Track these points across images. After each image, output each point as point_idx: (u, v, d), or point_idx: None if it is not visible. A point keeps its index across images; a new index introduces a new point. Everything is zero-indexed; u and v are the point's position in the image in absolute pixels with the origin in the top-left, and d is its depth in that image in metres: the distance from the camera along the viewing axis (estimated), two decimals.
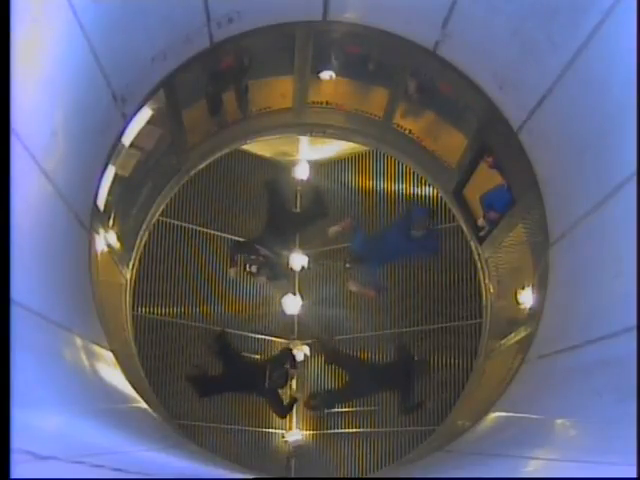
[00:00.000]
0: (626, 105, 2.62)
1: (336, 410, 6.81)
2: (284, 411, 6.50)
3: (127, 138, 4.36)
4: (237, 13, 4.12)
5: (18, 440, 1.64)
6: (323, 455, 6.80)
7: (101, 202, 4.18)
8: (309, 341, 6.88)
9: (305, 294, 7.02)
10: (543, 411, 3.23)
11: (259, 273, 6.62)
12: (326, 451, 6.80)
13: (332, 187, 7.29)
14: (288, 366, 6.40)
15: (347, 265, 6.56)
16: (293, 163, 7.30)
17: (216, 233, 6.94)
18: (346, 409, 6.77)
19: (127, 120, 4.09)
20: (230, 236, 6.95)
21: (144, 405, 4.20)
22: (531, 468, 2.67)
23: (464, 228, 5.96)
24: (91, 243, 3.95)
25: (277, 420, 6.76)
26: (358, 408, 6.71)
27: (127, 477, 2.21)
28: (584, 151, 3.28)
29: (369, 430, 6.64)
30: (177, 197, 6.38)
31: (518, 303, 4.83)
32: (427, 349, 6.51)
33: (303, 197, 7.31)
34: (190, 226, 6.80)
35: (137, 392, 4.17)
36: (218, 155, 6.17)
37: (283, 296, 6.87)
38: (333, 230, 6.65)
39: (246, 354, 6.73)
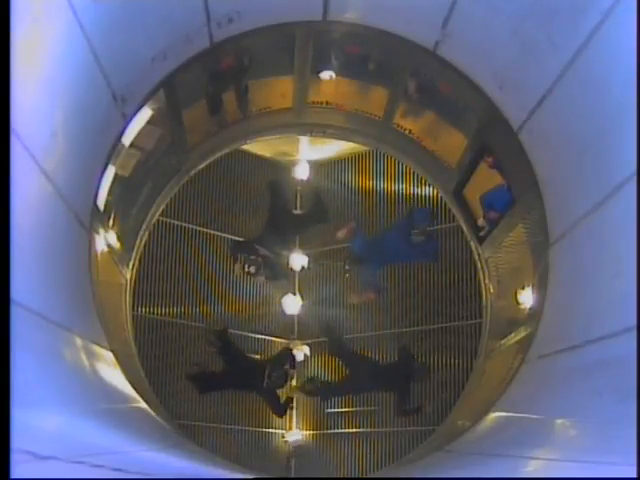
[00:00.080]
0: (626, 105, 2.62)
1: (336, 410, 6.81)
2: (282, 410, 6.50)
3: (127, 138, 4.36)
4: (237, 13, 4.12)
5: (18, 440, 1.64)
6: (323, 455, 6.80)
7: (101, 202, 4.18)
8: (309, 341, 6.88)
9: (305, 294, 7.02)
10: (543, 411, 3.23)
11: (257, 274, 6.62)
12: (326, 451, 6.80)
13: (332, 187, 7.29)
14: (287, 366, 6.40)
15: (347, 267, 6.56)
16: (293, 163, 7.30)
17: (216, 233, 6.94)
18: (346, 409, 6.77)
19: (127, 120, 4.09)
20: (230, 236, 6.95)
21: (144, 405, 4.20)
22: (531, 468, 2.67)
23: (464, 228, 5.96)
24: (91, 243, 3.95)
25: (277, 420, 6.77)
26: (358, 408, 6.71)
27: (127, 477, 2.21)
28: (584, 151, 3.28)
29: (369, 430, 6.64)
30: (177, 197, 6.39)
31: (518, 303, 4.83)
32: (427, 349, 6.51)
33: (304, 199, 7.31)
34: (190, 226, 6.80)
35: (137, 392, 4.17)
36: (218, 155, 6.18)
37: (283, 296, 6.87)
38: (340, 234, 6.66)
39: (247, 353, 6.73)
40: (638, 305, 2.45)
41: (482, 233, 5.56)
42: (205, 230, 6.90)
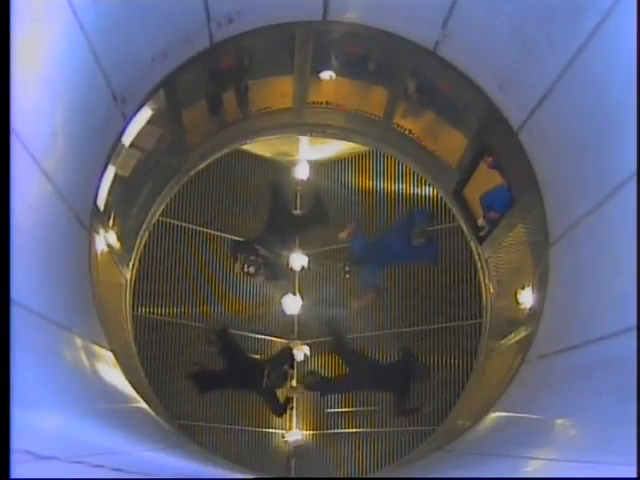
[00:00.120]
0: (626, 105, 2.62)
1: (336, 410, 6.81)
2: (280, 410, 6.50)
3: (127, 138, 4.36)
4: (237, 13, 4.12)
5: (18, 440, 1.64)
6: (323, 455, 6.80)
7: (101, 202, 4.18)
8: (309, 341, 6.88)
9: (305, 294, 7.02)
10: (543, 411, 3.23)
11: (257, 274, 6.62)
12: (326, 451, 6.80)
13: (332, 187, 7.28)
14: (287, 367, 6.40)
15: (347, 268, 6.56)
16: (293, 163, 7.30)
17: (216, 233, 6.94)
18: (346, 409, 6.77)
19: (127, 120, 4.09)
20: (230, 236, 6.95)
21: (144, 405, 4.20)
22: (531, 468, 2.67)
23: (464, 228, 5.96)
24: (91, 243, 3.95)
25: (277, 420, 6.77)
26: (358, 408, 6.71)
27: (127, 477, 2.21)
28: (584, 151, 3.28)
29: (369, 430, 6.63)
30: (177, 197, 6.39)
31: (518, 303, 4.83)
32: (427, 349, 6.51)
33: (303, 199, 7.30)
34: (190, 226, 6.80)
35: (137, 392, 4.17)
36: (218, 155, 6.18)
37: (283, 296, 6.87)
38: (341, 236, 6.67)
39: (247, 353, 6.73)
40: (638, 305, 2.45)
41: (482, 233, 5.57)
42: (205, 230, 6.90)
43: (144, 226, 5.80)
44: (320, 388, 6.57)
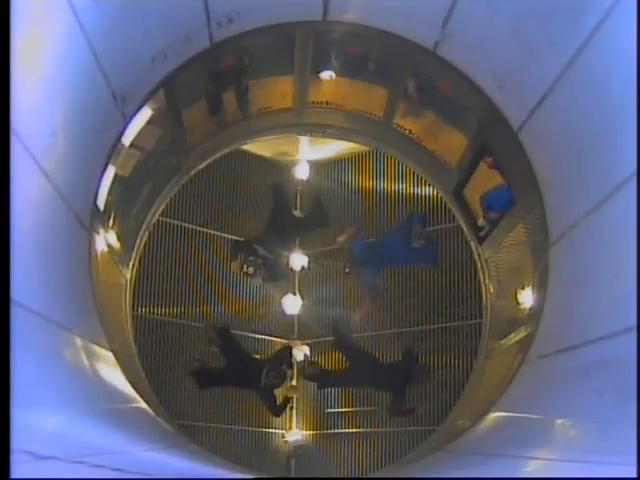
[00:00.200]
0: (626, 105, 2.62)
1: (336, 410, 6.82)
2: (277, 410, 6.49)
3: (127, 138, 4.36)
4: (237, 13, 4.12)
5: (18, 440, 1.64)
6: (323, 455, 6.80)
7: (101, 202, 4.18)
8: (309, 341, 6.88)
9: (305, 294, 7.02)
10: (543, 411, 3.23)
11: (255, 274, 6.61)
12: (326, 451, 6.80)
13: (332, 187, 7.29)
14: (285, 367, 6.40)
15: (347, 270, 6.56)
16: (293, 163, 7.30)
17: (216, 233, 6.94)
18: (346, 409, 6.78)
19: (127, 120, 4.09)
20: (230, 236, 6.95)
21: (144, 405, 4.20)
22: (531, 468, 2.67)
23: (464, 228, 5.96)
24: (91, 243, 3.95)
25: (277, 420, 6.77)
26: (358, 408, 6.71)
27: (127, 477, 2.21)
28: (584, 151, 3.28)
29: (369, 430, 6.64)
30: (177, 197, 6.39)
31: (518, 303, 4.83)
32: (427, 349, 6.51)
33: (303, 199, 7.29)
34: (190, 226, 6.80)
35: (137, 392, 4.17)
36: (218, 155, 6.18)
37: (283, 296, 6.87)
38: (340, 239, 6.68)
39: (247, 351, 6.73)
40: (638, 305, 2.45)
41: (482, 233, 5.57)
42: (205, 230, 6.90)
43: (144, 226, 5.80)
44: (319, 380, 6.56)
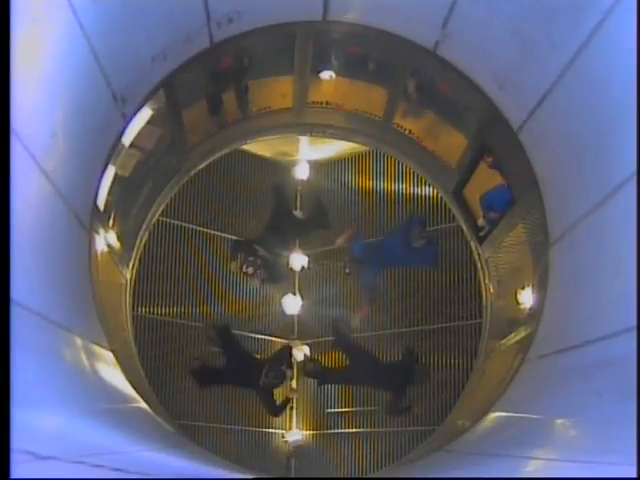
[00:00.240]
0: (626, 105, 2.62)
1: (336, 410, 6.81)
2: (276, 410, 6.48)
3: (127, 138, 4.36)
4: (237, 13, 4.12)
5: (18, 440, 1.64)
6: (323, 455, 6.80)
7: (101, 202, 4.18)
8: (309, 341, 6.88)
9: (305, 294, 7.02)
10: (543, 411, 3.23)
11: (255, 274, 6.60)
12: (326, 451, 6.80)
13: (332, 187, 7.29)
14: (285, 367, 6.39)
15: (347, 270, 6.56)
16: (293, 163, 7.30)
17: (216, 233, 6.94)
18: (346, 409, 6.77)
19: (127, 120, 4.09)
20: (230, 236, 6.94)
21: (144, 405, 4.20)
22: (531, 468, 2.67)
23: (464, 228, 5.96)
24: (91, 243, 3.95)
25: (277, 420, 6.76)
26: (358, 408, 6.71)
27: (127, 477, 2.21)
28: (584, 151, 3.28)
29: (369, 430, 6.63)
30: (177, 197, 6.39)
31: (518, 303, 4.83)
32: (427, 349, 6.50)
33: (303, 199, 7.28)
34: (190, 226, 6.80)
35: (137, 392, 4.17)
36: (218, 155, 6.18)
37: (283, 296, 6.87)
38: (339, 241, 6.68)
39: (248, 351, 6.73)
40: (638, 305, 2.45)
41: (482, 233, 5.57)
42: (205, 230, 6.90)
43: (144, 226, 5.80)
44: (319, 376, 6.56)
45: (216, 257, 6.90)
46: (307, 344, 6.81)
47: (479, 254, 5.73)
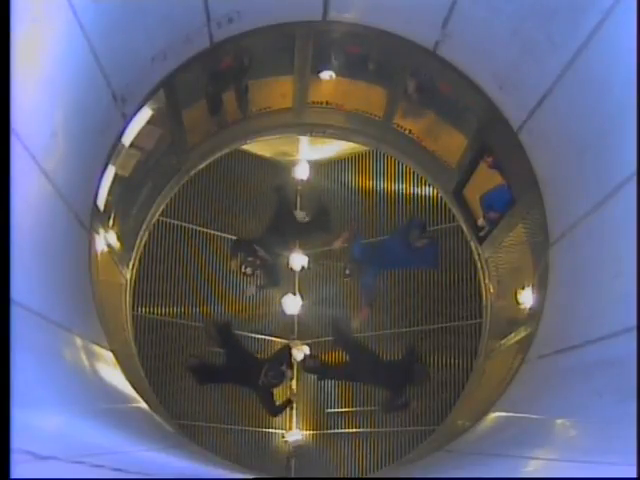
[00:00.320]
0: (626, 105, 2.62)
1: (336, 410, 6.81)
2: (275, 410, 6.47)
3: (127, 138, 4.36)
4: (237, 13, 4.12)
5: (18, 440, 1.64)
6: (323, 455, 6.80)
7: (101, 202, 4.18)
8: (309, 341, 6.88)
9: (305, 294, 7.02)
10: (543, 411, 3.23)
11: (253, 275, 6.58)
12: (326, 451, 6.80)
13: (332, 187, 7.29)
14: (285, 367, 6.39)
15: (347, 271, 6.56)
16: (293, 163, 7.30)
17: (216, 233, 6.94)
18: (346, 409, 6.77)
19: (127, 120, 4.09)
20: (230, 236, 6.94)
21: (144, 405, 4.20)
22: (531, 468, 2.67)
23: (464, 228, 5.96)
24: (91, 243, 3.95)
25: (277, 420, 6.76)
26: (358, 408, 6.71)
27: (127, 477, 2.20)
28: (584, 151, 3.28)
29: (369, 430, 6.63)
30: (177, 197, 6.39)
31: (518, 303, 4.83)
32: (427, 349, 6.50)
33: (308, 205, 7.24)
34: (190, 226, 6.80)
35: (137, 392, 4.17)
36: (218, 155, 6.18)
37: (283, 296, 6.87)
38: (336, 245, 6.68)
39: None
40: (638, 305, 2.45)
41: (482, 233, 5.57)
42: (205, 230, 6.90)
43: (144, 226, 5.80)
44: (319, 372, 6.56)
45: (216, 257, 6.90)
46: (307, 344, 6.81)
47: (479, 254, 5.73)
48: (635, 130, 2.53)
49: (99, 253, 4.27)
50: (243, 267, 6.53)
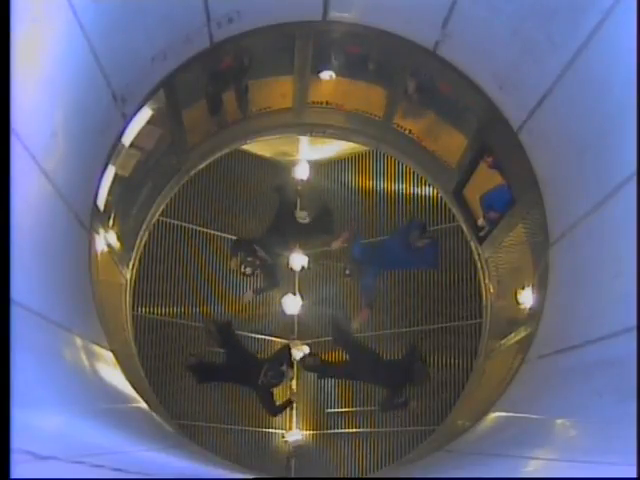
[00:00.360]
0: (626, 105, 2.62)
1: (336, 410, 6.82)
2: (275, 410, 6.46)
3: (127, 138, 4.36)
4: (237, 13, 4.12)
5: (18, 440, 1.64)
6: (323, 455, 6.80)
7: (101, 202, 4.18)
8: (309, 341, 6.88)
9: (305, 294, 7.02)
10: (543, 411, 3.23)
11: (252, 275, 6.57)
12: (326, 451, 6.80)
13: (332, 187, 7.29)
14: (285, 367, 6.39)
15: (347, 272, 6.56)
16: (293, 163, 7.30)
17: (216, 233, 6.94)
18: (346, 409, 6.77)
19: (127, 120, 4.08)
20: (230, 236, 6.95)
21: (144, 405, 4.20)
22: (531, 468, 2.66)
23: (464, 228, 5.96)
24: (91, 243, 3.95)
25: (277, 420, 6.76)
26: (358, 408, 6.71)
27: (127, 477, 2.20)
28: (584, 151, 3.28)
29: (369, 430, 6.64)
30: (177, 197, 6.39)
31: (518, 303, 4.83)
32: (427, 349, 6.51)
33: (310, 207, 7.22)
34: (190, 226, 6.81)
35: (137, 392, 4.17)
36: (218, 155, 6.18)
37: (283, 296, 6.87)
38: (334, 245, 6.67)
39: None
40: (638, 305, 2.45)
41: (482, 233, 5.56)
42: (205, 230, 6.90)
43: (144, 226, 5.80)
44: (319, 370, 6.56)
45: (216, 257, 6.90)
46: (307, 344, 6.81)
47: (479, 254, 5.73)
48: (635, 130, 2.53)
49: (99, 253, 4.27)
50: (242, 267, 6.51)
